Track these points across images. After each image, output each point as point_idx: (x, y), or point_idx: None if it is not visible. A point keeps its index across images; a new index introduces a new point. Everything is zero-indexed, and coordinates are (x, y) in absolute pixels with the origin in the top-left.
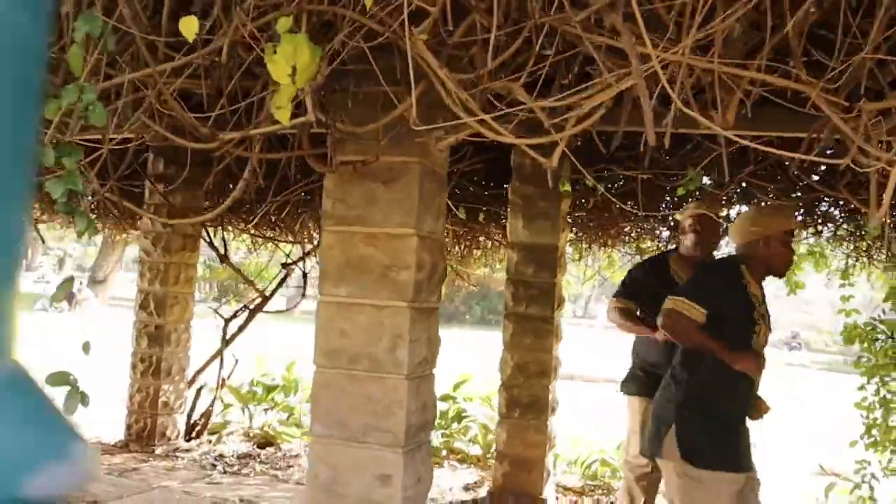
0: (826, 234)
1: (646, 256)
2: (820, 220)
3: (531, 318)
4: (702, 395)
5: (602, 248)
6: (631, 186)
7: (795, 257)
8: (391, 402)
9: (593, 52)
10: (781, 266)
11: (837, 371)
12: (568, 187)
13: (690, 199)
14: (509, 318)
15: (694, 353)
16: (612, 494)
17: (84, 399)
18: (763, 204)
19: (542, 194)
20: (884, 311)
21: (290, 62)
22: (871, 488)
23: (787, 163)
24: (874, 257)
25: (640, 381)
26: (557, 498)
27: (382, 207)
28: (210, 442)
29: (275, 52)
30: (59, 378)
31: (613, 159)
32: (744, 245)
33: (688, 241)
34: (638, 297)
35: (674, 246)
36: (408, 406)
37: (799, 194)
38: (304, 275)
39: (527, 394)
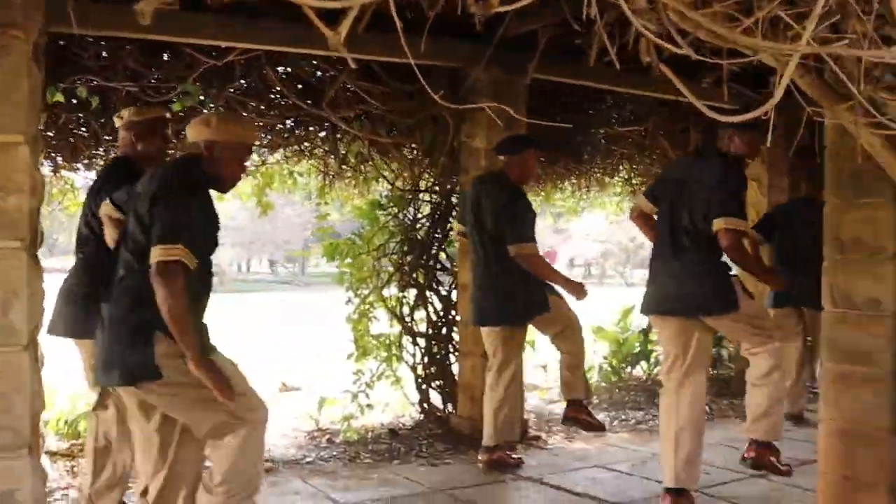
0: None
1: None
2: (294, 139)
3: None
4: None
5: None
6: (113, 101)
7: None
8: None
9: None
10: (226, 180)
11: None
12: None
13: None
14: None
15: None
16: None
17: None
18: (225, 112)
19: None
20: (361, 228)
21: None
22: (367, 395)
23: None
24: (346, 178)
25: None
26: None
27: None
28: None
29: None
30: None
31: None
32: (189, 146)
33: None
34: None
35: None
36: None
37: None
38: None
39: None
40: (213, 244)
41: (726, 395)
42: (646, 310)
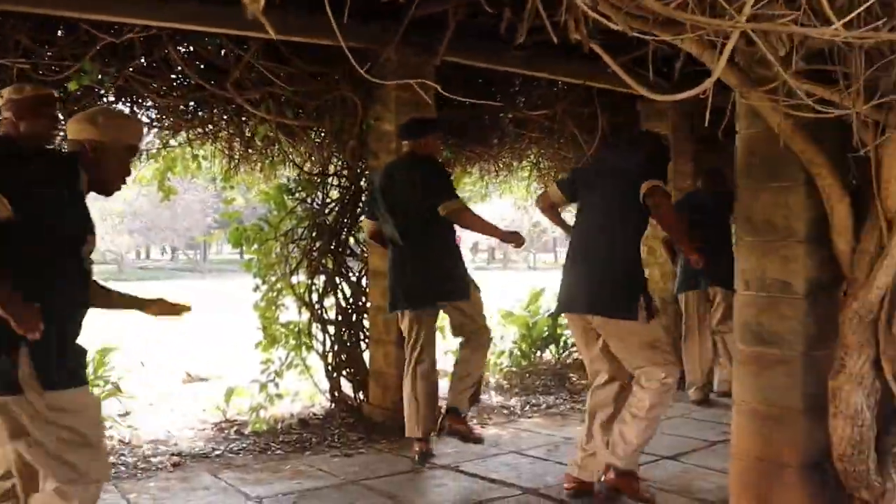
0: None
1: None
2: (198, 121)
3: None
4: None
5: None
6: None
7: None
8: None
9: None
10: (111, 182)
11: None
12: None
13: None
14: None
15: None
16: None
17: None
18: (112, 109)
19: None
20: (269, 213)
21: None
22: (276, 385)
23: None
24: (252, 161)
25: None
26: None
27: None
28: None
29: None
30: None
31: None
32: (72, 142)
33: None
34: None
35: None
36: None
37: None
38: None
39: None
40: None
41: None
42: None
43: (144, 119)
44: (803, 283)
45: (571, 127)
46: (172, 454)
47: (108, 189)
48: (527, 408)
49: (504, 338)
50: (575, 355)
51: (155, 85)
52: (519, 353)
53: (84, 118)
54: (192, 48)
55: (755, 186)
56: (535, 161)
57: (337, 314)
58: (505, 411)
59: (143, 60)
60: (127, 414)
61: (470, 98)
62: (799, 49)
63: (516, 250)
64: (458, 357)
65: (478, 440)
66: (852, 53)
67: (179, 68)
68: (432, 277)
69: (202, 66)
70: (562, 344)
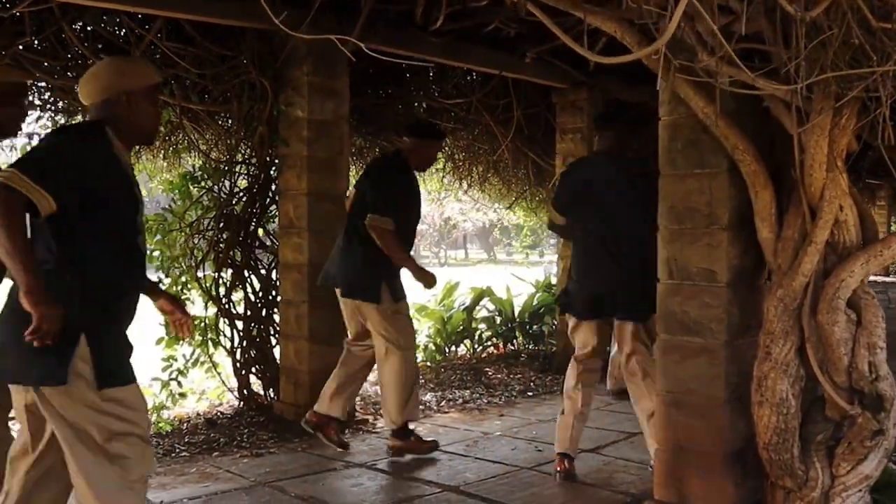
0: None
1: None
2: None
3: None
4: None
5: None
6: None
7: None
8: None
9: None
10: (151, 128)
11: None
12: None
13: None
14: None
15: None
16: None
17: None
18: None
19: None
20: (173, 202)
21: None
22: (180, 383)
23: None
24: (155, 148)
25: None
26: None
27: None
28: None
29: None
30: None
31: None
32: (101, 104)
33: None
34: None
35: None
36: None
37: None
38: None
39: None
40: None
41: (549, 370)
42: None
43: (37, 101)
44: (726, 271)
45: (487, 118)
46: None
47: (151, 136)
48: (443, 403)
49: (418, 332)
50: (490, 349)
51: (48, 64)
52: (433, 347)
53: (105, 72)
54: (88, 27)
55: (678, 173)
56: (449, 153)
57: (246, 309)
58: (420, 407)
59: (34, 38)
60: (12, 419)
61: (383, 86)
62: (724, 33)
63: (424, 285)
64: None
65: (341, 445)
66: (776, 42)
67: (75, 48)
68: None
69: (100, 46)
70: (476, 338)
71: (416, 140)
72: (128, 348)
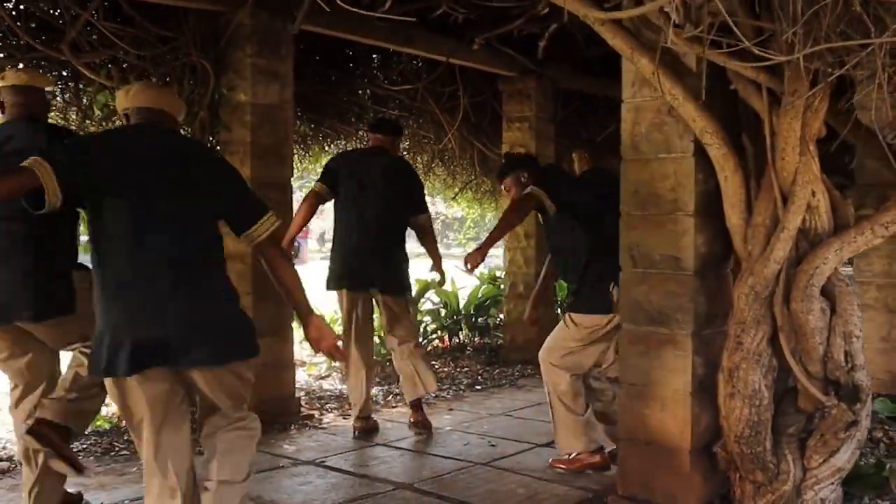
0: None
1: None
2: None
3: None
4: None
5: None
6: None
7: None
8: None
9: None
10: None
11: None
12: None
13: None
14: None
15: None
16: None
17: None
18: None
19: None
20: None
21: None
22: None
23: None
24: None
25: None
26: None
27: None
28: None
29: None
30: None
31: None
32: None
33: None
34: None
35: None
36: None
37: None
38: None
39: None
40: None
41: (496, 363)
42: None
43: None
44: (693, 259)
45: (432, 106)
46: (1, 459)
47: None
48: (389, 397)
49: None
50: (436, 342)
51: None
52: (378, 340)
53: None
54: (21, 5)
55: (642, 158)
56: None
57: None
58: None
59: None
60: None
61: (326, 70)
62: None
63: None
64: None
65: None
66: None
67: (7, 25)
68: None
69: (33, 25)
70: (422, 331)
71: (395, 137)
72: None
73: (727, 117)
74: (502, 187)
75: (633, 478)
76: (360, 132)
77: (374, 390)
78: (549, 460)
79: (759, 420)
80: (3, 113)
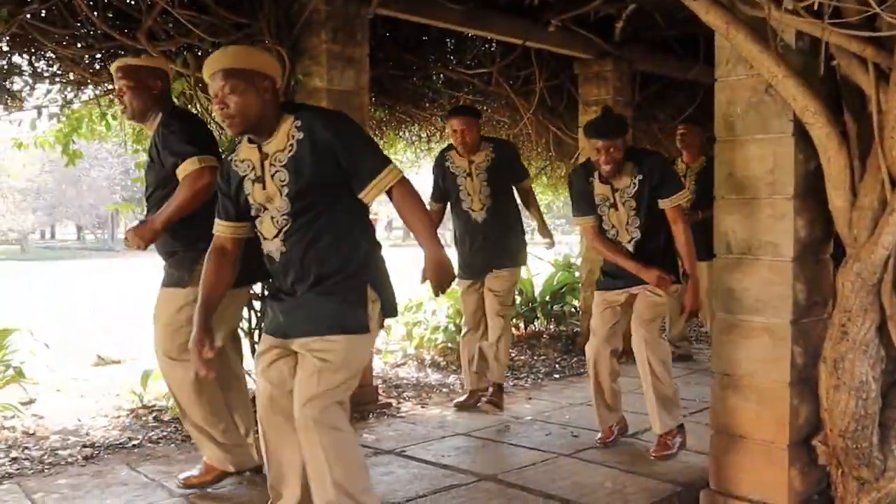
0: None
1: None
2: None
3: None
4: None
5: None
6: None
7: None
8: None
9: None
10: None
11: None
12: None
13: None
14: None
15: None
16: None
17: None
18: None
19: None
20: None
21: None
22: None
23: None
24: None
25: None
26: None
27: None
28: None
29: None
30: None
31: None
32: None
33: None
34: None
35: None
36: None
37: None
38: None
39: None
40: None
41: (573, 351)
42: None
43: (45, 73)
44: (792, 244)
45: (507, 90)
46: (84, 446)
47: None
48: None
49: (437, 312)
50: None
51: (56, 33)
52: (454, 327)
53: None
54: None
55: (738, 139)
56: None
57: None
58: (444, 390)
59: (40, 6)
60: (31, 402)
61: (401, 55)
62: None
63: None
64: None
65: None
66: None
67: (84, 15)
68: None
69: (110, 14)
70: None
71: (476, 118)
72: None
73: (828, 95)
74: (601, 150)
75: (726, 472)
76: (433, 117)
77: (451, 378)
78: (651, 453)
79: (866, 413)
80: None
